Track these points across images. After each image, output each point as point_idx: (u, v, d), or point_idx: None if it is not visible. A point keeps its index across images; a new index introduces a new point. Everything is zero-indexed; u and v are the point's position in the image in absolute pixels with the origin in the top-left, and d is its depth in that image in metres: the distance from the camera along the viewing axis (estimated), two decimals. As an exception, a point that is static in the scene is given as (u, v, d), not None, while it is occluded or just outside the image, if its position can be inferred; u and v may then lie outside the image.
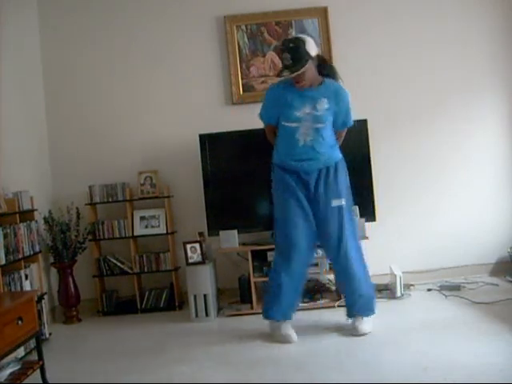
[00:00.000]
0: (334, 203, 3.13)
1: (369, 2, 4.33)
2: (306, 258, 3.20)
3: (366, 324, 3.17)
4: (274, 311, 3.20)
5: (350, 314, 3.25)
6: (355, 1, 4.33)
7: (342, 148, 3.96)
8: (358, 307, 3.19)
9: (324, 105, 3.10)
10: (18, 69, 4.04)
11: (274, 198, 3.25)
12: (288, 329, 3.18)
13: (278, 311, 3.19)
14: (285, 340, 3.13)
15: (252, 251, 3.83)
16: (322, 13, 4.29)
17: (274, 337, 3.19)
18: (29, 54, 4.26)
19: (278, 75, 3.05)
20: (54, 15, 4.37)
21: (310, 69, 3.04)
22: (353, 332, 3.15)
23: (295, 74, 2.98)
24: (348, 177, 3.25)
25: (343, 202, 3.15)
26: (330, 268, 3.88)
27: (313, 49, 3.05)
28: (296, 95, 3.10)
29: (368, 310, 3.21)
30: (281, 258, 3.19)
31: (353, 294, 3.19)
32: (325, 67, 3.21)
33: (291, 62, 2.97)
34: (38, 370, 2.75)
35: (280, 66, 3.08)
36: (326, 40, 4.28)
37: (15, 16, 4.08)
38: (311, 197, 3.15)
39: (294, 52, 2.97)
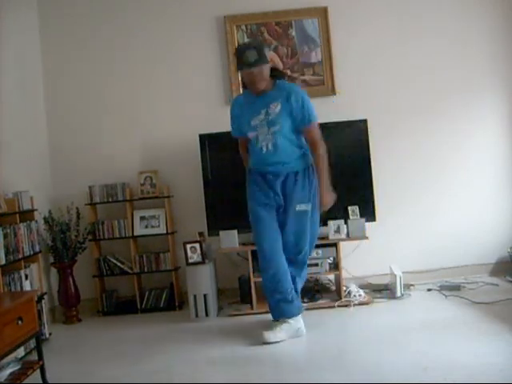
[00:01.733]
0: (299, 208, 3.22)
1: (369, 2, 4.33)
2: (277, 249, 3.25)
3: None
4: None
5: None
6: (355, 1, 4.33)
7: (342, 147, 3.99)
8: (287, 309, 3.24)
9: (277, 107, 3.16)
10: (18, 69, 4.04)
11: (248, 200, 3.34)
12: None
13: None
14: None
15: (252, 251, 3.83)
16: (322, 13, 4.29)
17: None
18: (29, 54, 4.26)
19: (241, 68, 3.12)
20: (54, 15, 4.37)
21: (267, 69, 3.14)
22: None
23: (258, 67, 3.07)
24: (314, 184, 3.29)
25: (308, 207, 3.23)
26: (330, 268, 3.89)
27: (268, 55, 3.21)
28: (250, 105, 3.21)
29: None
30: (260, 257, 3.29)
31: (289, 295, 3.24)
32: (276, 73, 3.30)
33: (252, 60, 3.06)
34: (38, 370, 2.75)
35: (245, 63, 3.10)
36: (325, 40, 4.28)
37: (15, 16, 4.08)
38: (277, 196, 3.24)
39: (258, 50, 3.07)
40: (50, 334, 3.58)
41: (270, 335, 3.11)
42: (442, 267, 4.24)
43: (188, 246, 3.85)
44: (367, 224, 3.94)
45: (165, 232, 4.19)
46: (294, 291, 3.25)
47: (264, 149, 3.19)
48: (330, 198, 3.21)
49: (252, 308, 3.83)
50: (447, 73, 4.31)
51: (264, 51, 3.12)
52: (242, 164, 4.07)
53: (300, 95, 3.19)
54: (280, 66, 4.14)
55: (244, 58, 3.08)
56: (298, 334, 3.17)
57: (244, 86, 3.37)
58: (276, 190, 3.23)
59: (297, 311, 3.23)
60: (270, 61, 3.16)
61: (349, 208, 3.93)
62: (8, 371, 2.63)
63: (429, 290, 4.00)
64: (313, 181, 3.26)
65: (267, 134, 3.17)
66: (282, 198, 3.24)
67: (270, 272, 3.22)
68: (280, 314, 3.22)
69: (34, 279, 3.55)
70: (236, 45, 4.29)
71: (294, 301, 3.24)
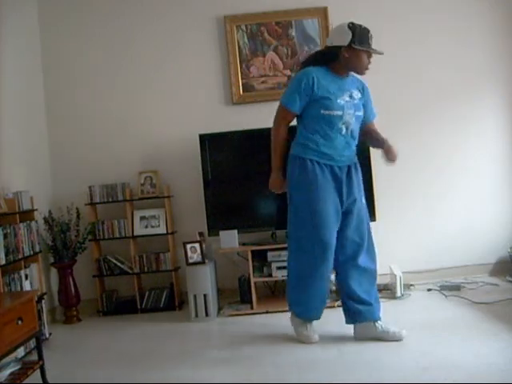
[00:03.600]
0: (363, 200, 3.11)
1: (369, 2, 4.33)
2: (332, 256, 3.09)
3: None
4: (310, 310, 3.13)
5: (372, 317, 3.05)
6: (355, 1, 4.33)
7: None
8: (377, 309, 3.09)
9: (358, 95, 3.09)
10: (18, 69, 4.04)
11: (297, 194, 3.03)
12: (313, 329, 3.14)
13: (313, 310, 3.13)
14: (310, 340, 3.08)
15: (252, 251, 3.83)
16: (322, 13, 4.29)
17: (301, 335, 3.12)
18: (29, 54, 4.26)
19: (366, 47, 3.05)
20: (55, 14, 4.37)
21: None
22: (394, 337, 2.99)
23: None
24: None
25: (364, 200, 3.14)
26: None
27: None
28: (333, 83, 3.00)
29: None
30: (314, 259, 3.01)
31: (374, 295, 3.10)
32: None
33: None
34: (38, 370, 2.75)
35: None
36: (326, 40, 4.27)
37: (15, 15, 4.08)
38: (342, 193, 3.02)
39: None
40: (50, 334, 3.58)
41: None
42: (442, 267, 4.24)
43: (188, 246, 3.85)
44: (367, 224, 3.93)
45: (165, 232, 4.19)
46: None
47: (343, 131, 2.98)
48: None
49: (252, 308, 3.82)
50: (447, 73, 4.31)
51: None
52: (241, 164, 4.10)
53: (368, 89, 3.22)
54: None
55: (368, 38, 3.02)
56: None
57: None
58: (341, 184, 3.01)
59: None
60: None
61: (349, 208, 3.93)
62: (8, 371, 2.63)
63: (429, 290, 4.00)
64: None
65: (352, 117, 3.00)
66: (344, 191, 3.03)
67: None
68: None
69: (34, 279, 3.55)
70: (236, 45, 4.30)
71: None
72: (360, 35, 2.99)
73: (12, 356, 2.75)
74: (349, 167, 3.06)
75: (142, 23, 4.37)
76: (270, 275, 3.84)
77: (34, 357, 2.92)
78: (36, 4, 4.36)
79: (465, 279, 4.14)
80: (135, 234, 4.19)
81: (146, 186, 4.24)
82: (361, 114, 3.08)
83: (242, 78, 4.32)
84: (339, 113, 2.96)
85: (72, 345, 3.55)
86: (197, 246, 3.86)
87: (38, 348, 2.79)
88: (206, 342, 3.36)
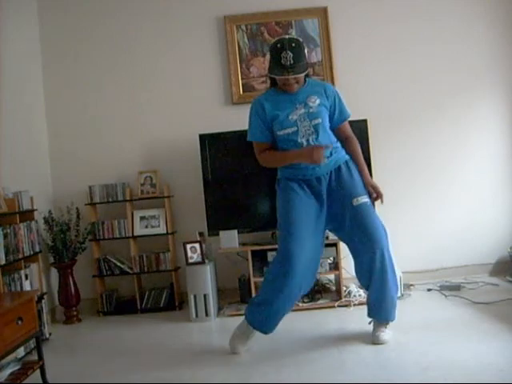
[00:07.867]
0: (356, 202, 2.95)
1: (369, 2, 4.33)
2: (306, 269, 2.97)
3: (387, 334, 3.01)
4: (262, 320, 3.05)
5: (374, 315, 3.05)
6: (355, 1, 4.33)
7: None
8: (385, 310, 3.02)
9: (315, 100, 2.95)
10: (17, 69, 4.04)
11: (278, 211, 3.04)
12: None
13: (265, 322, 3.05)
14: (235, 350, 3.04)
15: (252, 251, 3.83)
16: (322, 13, 4.29)
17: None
18: (29, 53, 4.26)
19: (271, 73, 2.89)
20: (55, 12, 4.37)
21: (303, 75, 2.92)
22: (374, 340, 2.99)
23: (296, 75, 2.83)
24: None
25: (366, 198, 2.98)
26: (330, 268, 3.89)
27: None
28: (283, 99, 2.95)
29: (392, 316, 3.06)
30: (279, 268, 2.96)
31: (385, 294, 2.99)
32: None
33: (292, 62, 2.79)
34: (38, 370, 2.75)
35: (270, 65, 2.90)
36: (325, 40, 4.28)
37: (15, 15, 4.08)
38: (325, 203, 2.98)
39: (296, 53, 2.80)
40: (49, 334, 3.58)
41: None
42: (442, 267, 4.24)
43: (188, 246, 3.85)
44: (367, 224, 3.93)
45: (165, 232, 4.19)
46: None
47: (305, 144, 2.91)
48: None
49: (252, 308, 3.82)
50: (447, 73, 4.31)
51: (303, 55, 2.84)
52: (241, 164, 4.08)
53: (334, 90, 3.06)
54: None
55: (280, 58, 2.79)
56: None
57: (271, 84, 3.05)
58: (322, 196, 2.96)
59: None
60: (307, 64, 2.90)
61: (349, 208, 3.93)
62: (8, 371, 2.64)
63: (429, 290, 4.00)
64: (358, 172, 3.05)
65: (309, 128, 2.90)
66: (328, 201, 2.98)
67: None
68: None
69: (34, 279, 3.55)
70: (236, 45, 4.30)
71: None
72: (271, 60, 2.90)
73: (12, 356, 2.76)
74: (331, 173, 2.98)
75: (141, 23, 4.37)
76: (270, 275, 3.84)
77: (34, 357, 2.93)
78: (36, 3, 4.35)
79: (465, 279, 4.14)
80: (135, 234, 4.19)
81: (146, 186, 4.24)
82: (319, 121, 2.92)
83: (241, 78, 4.33)
84: (294, 129, 2.92)
85: (72, 345, 3.55)
86: (197, 246, 3.86)
87: (38, 348, 2.79)
88: (206, 342, 3.36)
